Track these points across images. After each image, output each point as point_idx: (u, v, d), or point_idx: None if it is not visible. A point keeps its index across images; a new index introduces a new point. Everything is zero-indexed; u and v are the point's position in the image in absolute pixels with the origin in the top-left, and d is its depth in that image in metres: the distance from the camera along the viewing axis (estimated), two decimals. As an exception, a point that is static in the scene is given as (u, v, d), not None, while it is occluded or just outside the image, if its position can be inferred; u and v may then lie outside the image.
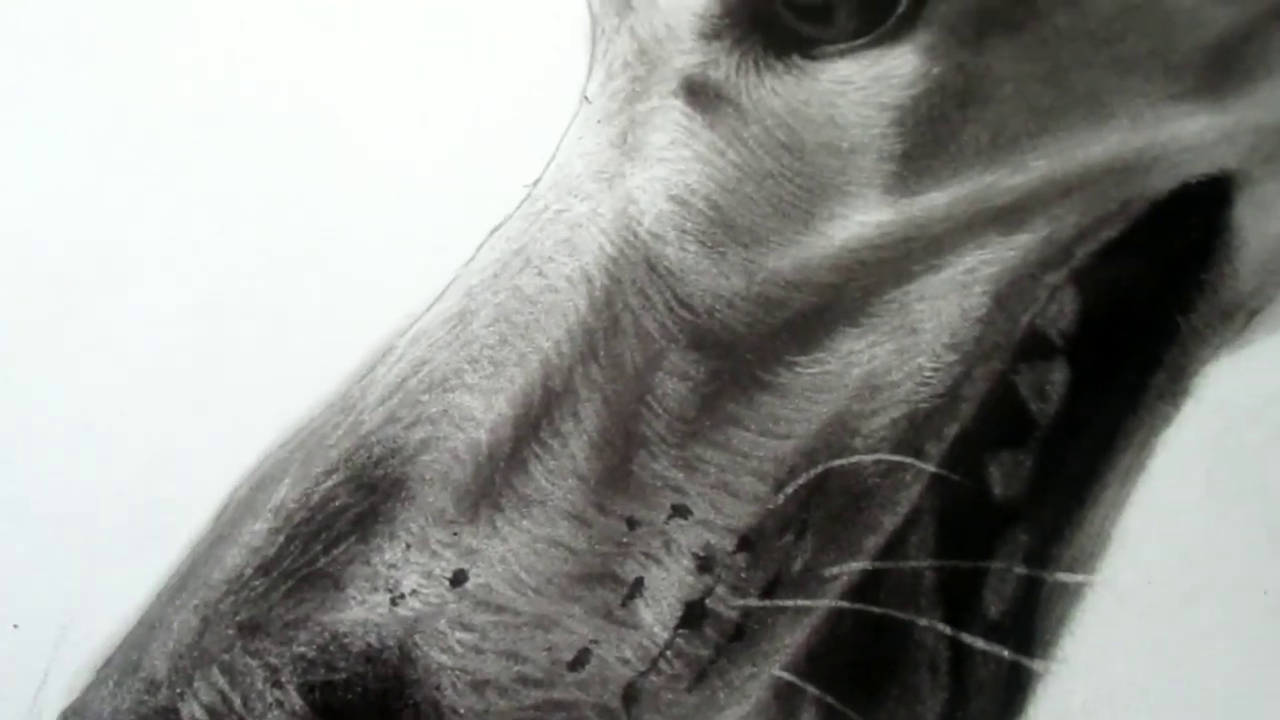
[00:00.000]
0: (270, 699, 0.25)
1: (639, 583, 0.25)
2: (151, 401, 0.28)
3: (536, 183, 0.29)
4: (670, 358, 0.27)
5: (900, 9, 0.34)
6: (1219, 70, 0.33)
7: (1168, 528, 0.26)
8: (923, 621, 0.25)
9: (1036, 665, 0.28)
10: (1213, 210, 0.31)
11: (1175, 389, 0.28)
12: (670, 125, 0.31)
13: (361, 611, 0.23)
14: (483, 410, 0.26)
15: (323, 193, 0.29)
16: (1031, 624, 0.27)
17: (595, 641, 0.25)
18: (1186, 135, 0.32)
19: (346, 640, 0.25)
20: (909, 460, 0.26)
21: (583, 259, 0.28)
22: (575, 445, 0.26)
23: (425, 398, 0.26)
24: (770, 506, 0.26)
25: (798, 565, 0.25)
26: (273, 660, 0.24)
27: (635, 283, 0.28)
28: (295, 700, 0.24)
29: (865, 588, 0.26)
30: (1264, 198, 0.31)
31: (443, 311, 0.27)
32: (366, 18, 0.32)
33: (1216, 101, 0.33)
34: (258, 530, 0.24)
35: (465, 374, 0.26)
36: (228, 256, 0.28)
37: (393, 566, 0.24)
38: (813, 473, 0.26)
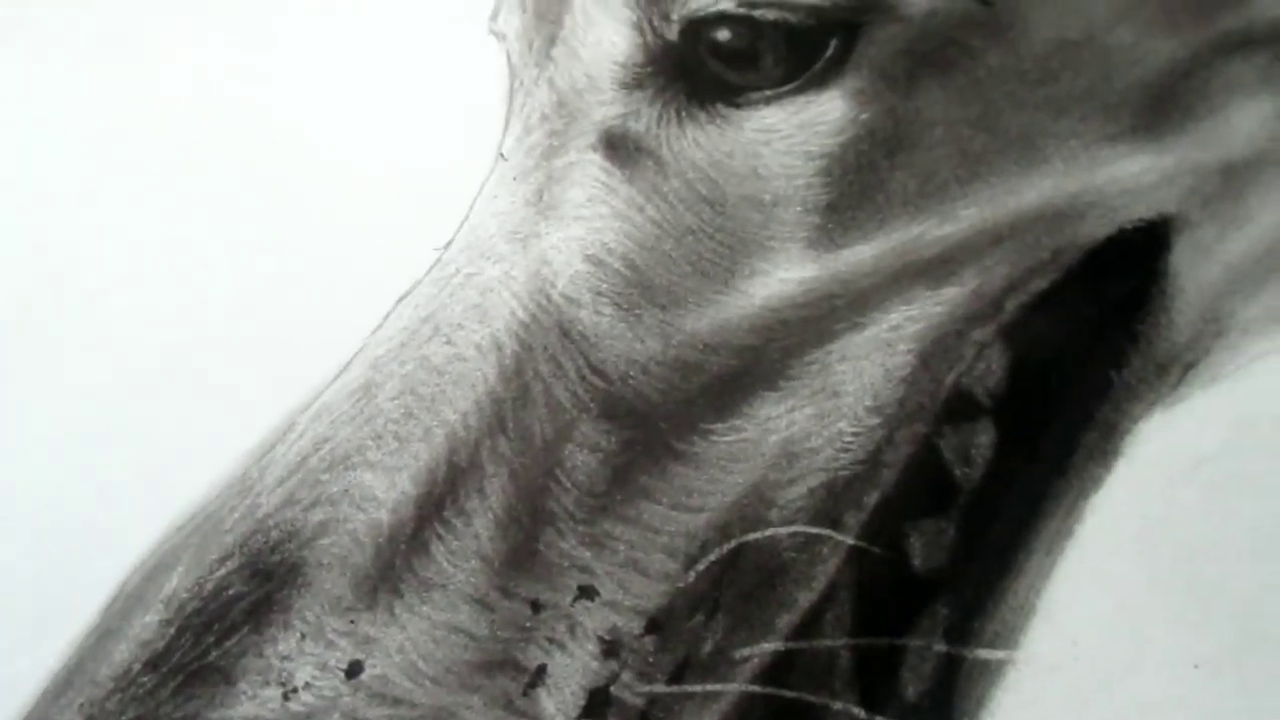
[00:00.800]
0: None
1: (541, 670, 0.24)
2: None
3: (448, 245, 0.29)
4: (581, 428, 0.26)
5: (829, 52, 0.33)
6: (1158, 108, 0.32)
7: (1095, 598, 0.25)
8: (837, 705, 0.24)
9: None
10: (1149, 257, 0.30)
11: (1106, 449, 0.27)
12: (588, 181, 0.30)
13: (252, 708, 0.22)
14: (385, 489, 0.25)
15: (226, 264, 0.28)
16: (950, 705, 0.26)
17: (495, 734, 0.24)
18: (1123, 178, 0.31)
19: (237, 739, 0.24)
20: (826, 532, 0.25)
21: (493, 325, 0.27)
22: (480, 524, 0.25)
23: (326, 477, 0.25)
24: (680, 585, 0.25)
25: (707, 647, 0.24)
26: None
27: (547, 349, 0.27)
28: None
29: (777, 669, 0.25)
30: (1203, 242, 0.30)
31: (347, 384, 0.26)
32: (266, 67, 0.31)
33: (1155, 141, 0.32)
34: (148, 623, 0.23)
35: (368, 450, 0.26)
36: (131, 336, 0.27)
37: (286, 658, 0.23)
38: (726, 548, 0.25)
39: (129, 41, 0.34)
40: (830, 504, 0.26)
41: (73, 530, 0.28)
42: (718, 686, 0.23)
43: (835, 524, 0.26)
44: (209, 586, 0.23)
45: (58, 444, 0.28)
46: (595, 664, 0.24)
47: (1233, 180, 0.30)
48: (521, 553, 0.25)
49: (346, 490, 0.25)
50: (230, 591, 0.24)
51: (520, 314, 0.27)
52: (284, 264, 0.28)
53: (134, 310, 0.29)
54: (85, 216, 0.31)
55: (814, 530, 0.25)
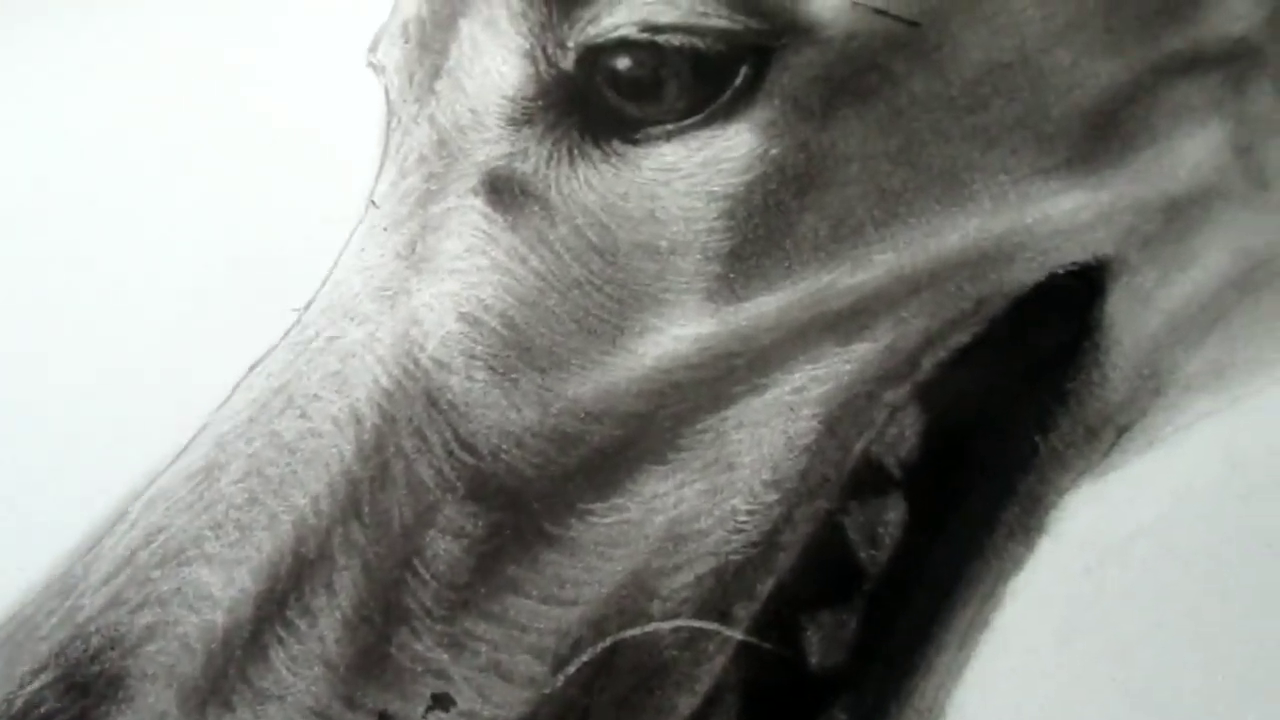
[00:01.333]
0: None
1: (385, 795, 0.21)
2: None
3: (308, 306, 0.26)
4: (445, 511, 0.24)
5: (738, 81, 0.30)
6: (1097, 138, 0.30)
7: (1013, 699, 0.23)
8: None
9: None
10: (1082, 306, 0.27)
11: (1029, 525, 0.25)
12: (467, 229, 0.27)
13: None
14: (221, 586, 0.22)
15: (53, 331, 0.26)
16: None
17: None
18: (1056, 216, 0.28)
19: None
20: (714, 626, 0.23)
21: (353, 395, 0.25)
22: (326, 624, 0.22)
23: (157, 574, 0.23)
24: (547, 691, 0.22)
25: (574, 766, 0.22)
26: None
27: (412, 421, 0.25)
28: None
29: (651, 790, 0.22)
30: (1141, 288, 0.27)
31: (187, 467, 0.24)
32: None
33: (1092, 175, 0.29)
34: (-54, 748, 0.21)
35: (206, 542, 0.23)
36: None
37: (101, 788, 0.21)
38: (600, 647, 0.22)
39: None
40: (719, 594, 0.23)
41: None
42: (583, 811, 0.21)
43: (724, 617, 0.23)
44: (18, 704, 0.21)
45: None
46: (446, 787, 0.21)
47: (1176, 218, 0.28)
48: (371, 657, 0.22)
49: (179, 589, 0.22)
50: (42, 709, 0.21)
51: (384, 381, 0.25)
52: (118, 330, 0.26)
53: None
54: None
55: (700, 624, 0.23)
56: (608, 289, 0.26)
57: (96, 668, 0.22)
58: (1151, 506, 0.24)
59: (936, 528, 0.24)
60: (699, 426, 0.25)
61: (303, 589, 0.22)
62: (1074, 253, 0.27)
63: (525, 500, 0.24)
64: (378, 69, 0.30)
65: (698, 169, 0.29)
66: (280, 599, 0.22)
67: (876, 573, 0.23)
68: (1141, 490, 0.24)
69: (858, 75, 0.30)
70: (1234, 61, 0.30)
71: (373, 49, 0.30)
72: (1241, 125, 0.29)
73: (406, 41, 0.30)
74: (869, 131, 0.29)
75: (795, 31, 0.31)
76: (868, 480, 0.24)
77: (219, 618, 0.22)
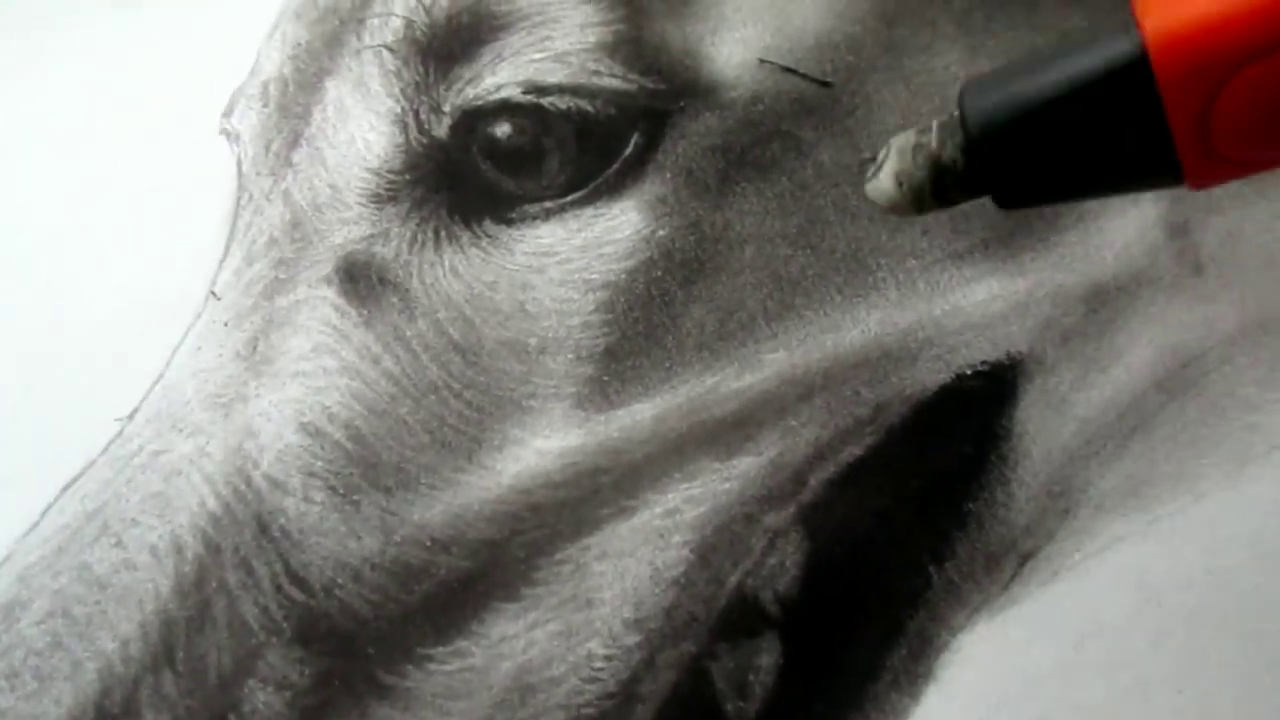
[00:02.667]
0: None
1: None
2: None
3: (133, 414, 0.24)
4: (268, 658, 0.21)
5: (627, 150, 0.28)
6: (1018, 217, 0.27)
7: None
8: None
9: None
10: (989, 413, 0.25)
11: (915, 671, 0.22)
12: (316, 325, 0.25)
13: None
14: (12, 746, 0.20)
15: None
16: None
17: None
18: (968, 307, 0.26)
19: None
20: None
21: (176, 520, 0.22)
22: (125, 795, 0.20)
23: (-60, 733, 0.21)
24: None
25: None
26: None
27: (238, 551, 0.22)
28: None
29: None
30: (1056, 391, 0.25)
31: (-15, 604, 0.22)
32: None
33: (1010, 259, 0.27)
34: None
35: (0, 695, 0.21)
36: None
37: None
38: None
39: None
40: (567, 756, 0.21)
41: None
42: None
43: (571, 784, 0.21)
44: None
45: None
46: None
47: (1099, 308, 0.25)
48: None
49: (-35, 748, 0.20)
50: None
51: (211, 504, 0.22)
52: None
53: None
54: None
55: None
56: (467, 394, 0.24)
57: None
58: (1054, 649, 0.22)
59: (814, 675, 0.22)
60: (557, 557, 0.22)
61: (103, 752, 0.20)
62: (984, 350, 0.25)
63: (359, 645, 0.21)
64: (231, 136, 0.27)
65: (576, 253, 0.26)
66: (77, 764, 0.20)
67: (744, 728, 0.21)
68: (1043, 630, 0.22)
69: (760, 144, 0.28)
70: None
71: (227, 113, 0.27)
72: (1177, 202, 0.27)
73: (265, 105, 0.28)
74: (769, 209, 0.27)
75: (695, 93, 0.28)
76: (740, 619, 0.22)
77: (6, 784, 0.20)
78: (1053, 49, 0.17)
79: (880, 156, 0.18)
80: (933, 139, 0.18)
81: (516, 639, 0.22)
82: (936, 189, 0.18)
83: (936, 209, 0.18)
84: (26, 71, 0.27)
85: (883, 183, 0.18)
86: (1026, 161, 0.17)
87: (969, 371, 0.24)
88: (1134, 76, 0.15)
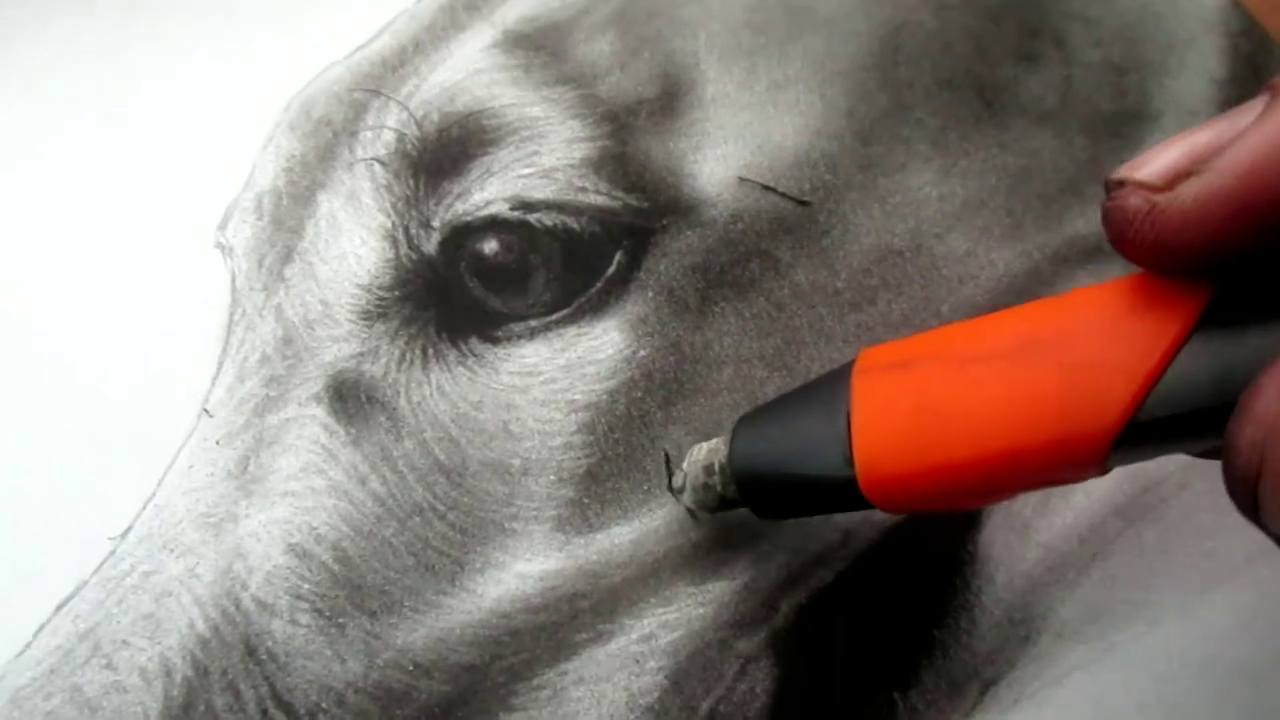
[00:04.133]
0: None
1: None
2: None
3: (125, 534, 0.24)
4: (253, 785, 0.22)
5: (611, 269, 0.29)
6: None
7: None
8: None
9: None
10: (954, 538, 0.26)
11: None
12: (305, 444, 0.26)
13: None
14: None
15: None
16: None
17: None
18: (937, 432, 0.27)
19: None
20: None
21: (165, 642, 0.23)
22: None
23: None
24: None
25: None
26: None
27: (226, 674, 0.23)
28: None
29: None
30: (1020, 516, 0.26)
31: (-23, 728, 0.23)
32: None
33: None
34: None
35: None
36: None
37: None
38: None
39: None
40: None
41: None
42: None
43: None
44: None
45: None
46: None
47: (1064, 438, 0.26)
48: None
49: None
50: None
51: (200, 626, 0.23)
52: None
53: None
54: None
55: None
56: (451, 516, 0.25)
57: None
58: None
59: (783, 806, 0.23)
60: (535, 682, 0.23)
61: None
62: (953, 478, 0.26)
63: (340, 772, 0.22)
64: (225, 250, 0.28)
65: (560, 373, 0.27)
66: None
67: None
68: None
69: (739, 263, 0.29)
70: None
71: (221, 225, 0.28)
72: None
73: (259, 218, 0.29)
74: (746, 330, 0.28)
75: (677, 210, 0.29)
76: (712, 749, 0.23)
77: None
78: (798, 417, 0.22)
79: (676, 476, 0.24)
80: (715, 478, 0.23)
81: (495, 766, 0.22)
82: (718, 505, 0.23)
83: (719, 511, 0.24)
84: (18, 183, 0.28)
85: (683, 499, 0.24)
86: (773, 501, 0.22)
87: (934, 499, 0.25)
88: (849, 489, 0.20)
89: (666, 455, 0.25)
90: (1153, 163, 0.18)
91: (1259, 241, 0.17)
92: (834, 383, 0.21)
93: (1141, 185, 0.18)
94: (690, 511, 0.24)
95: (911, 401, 0.20)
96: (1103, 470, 0.19)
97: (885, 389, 0.20)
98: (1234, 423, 0.16)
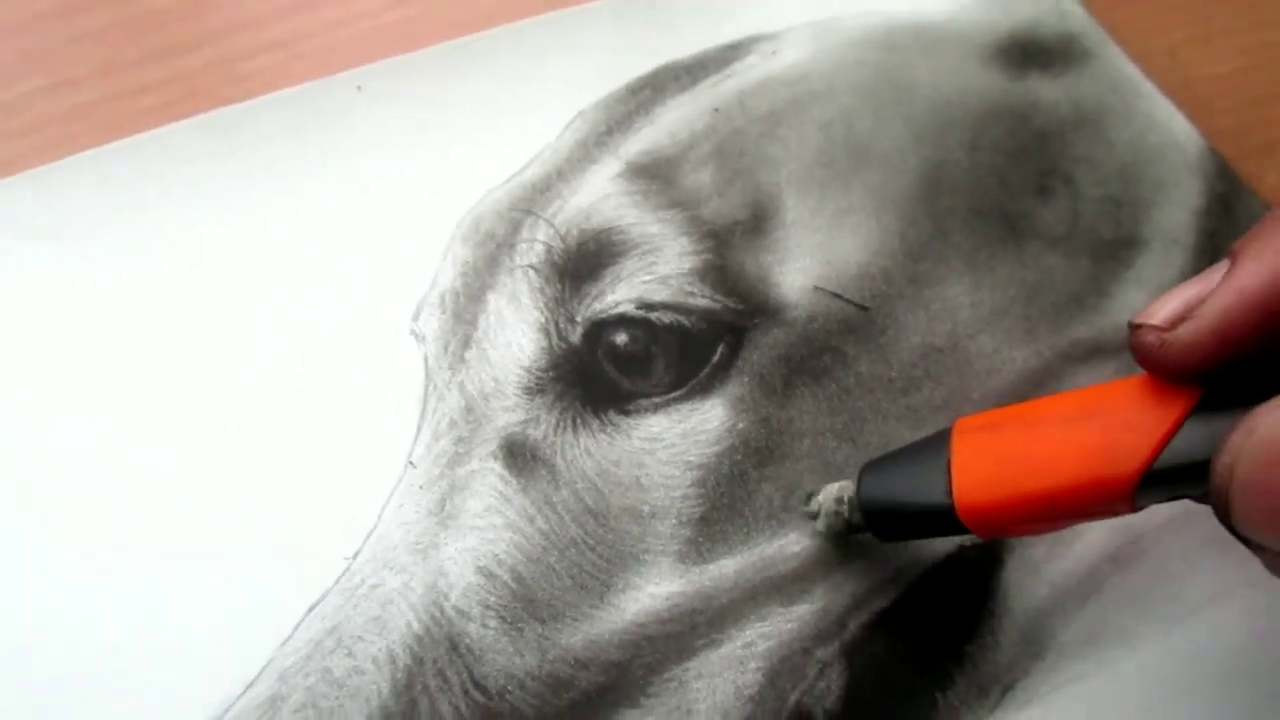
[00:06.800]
0: None
1: None
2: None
3: (356, 556, 0.32)
4: (460, 744, 0.30)
5: (715, 357, 0.36)
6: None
7: None
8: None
9: None
10: (983, 576, 0.33)
11: None
12: (486, 490, 0.33)
13: None
14: (282, 802, 0.28)
15: (130, 567, 0.31)
16: None
17: None
18: (970, 496, 0.34)
19: None
20: None
21: (390, 638, 0.31)
22: (364, 836, 0.28)
23: (231, 787, 0.29)
24: None
25: None
26: None
27: (436, 663, 0.31)
28: None
29: None
30: (1032, 560, 0.33)
31: (255, 696, 0.30)
32: (174, 369, 0.35)
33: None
34: None
35: None
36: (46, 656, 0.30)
37: None
38: None
39: None
40: (675, 824, 0.29)
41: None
42: None
43: (678, 842, 0.29)
44: None
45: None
46: None
47: (1068, 502, 0.34)
48: None
49: (249, 801, 0.28)
50: None
51: (415, 627, 0.31)
52: (193, 577, 0.31)
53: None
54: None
55: None
56: (599, 549, 0.32)
57: None
58: None
59: (850, 772, 0.30)
60: (665, 675, 0.31)
61: (346, 807, 0.28)
62: (981, 529, 0.33)
63: (525, 738, 0.30)
64: (419, 337, 0.36)
65: (678, 439, 0.35)
66: (328, 814, 0.28)
67: (798, 815, 0.29)
68: None
69: (814, 356, 0.36)
70: (1125, 352, 0.37)
71: (415, 317, 0.36)
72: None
73: (443, 312, 0.37)
74: (820, 409, 0.35)
75: (765, 312, 0.37)
76: (799, 729, 0.30)
77: (280, 827, 0.28)
78: (910, 465, 0.30)
79: (813, 507, 0.32)
80: (844, 507, 0.31)
81: (637, 737, 0.30)
82: (846, 530, 0.32)
83: (847, 538, 0.32)
84: (266, 290, 0.36)
85: (817, 525, 0.32)
86: (892, 526, 0.30)
87: (968, 544, 0.33)
88: (950, 515, 0.28)
89: (808, 493, 0.33)
90: (1161, 311, 0.26)
91: (1231, 362, 0.25)
92: (938, 439, 0.29)
93: (1154, 328, 0.26)
94: (821, 534, 0.32)
95: (996, 452, 0.28)
96: (1133, 506, 0.26)
97: (977, 443, 0.28)
98: (1214, 457, 0.24)
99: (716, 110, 0.41)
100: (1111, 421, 0.26)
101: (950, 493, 0.28)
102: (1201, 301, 0.25)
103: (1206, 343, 0.25)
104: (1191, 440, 0.25)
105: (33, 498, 0.32)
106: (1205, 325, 0.25)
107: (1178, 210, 0.40)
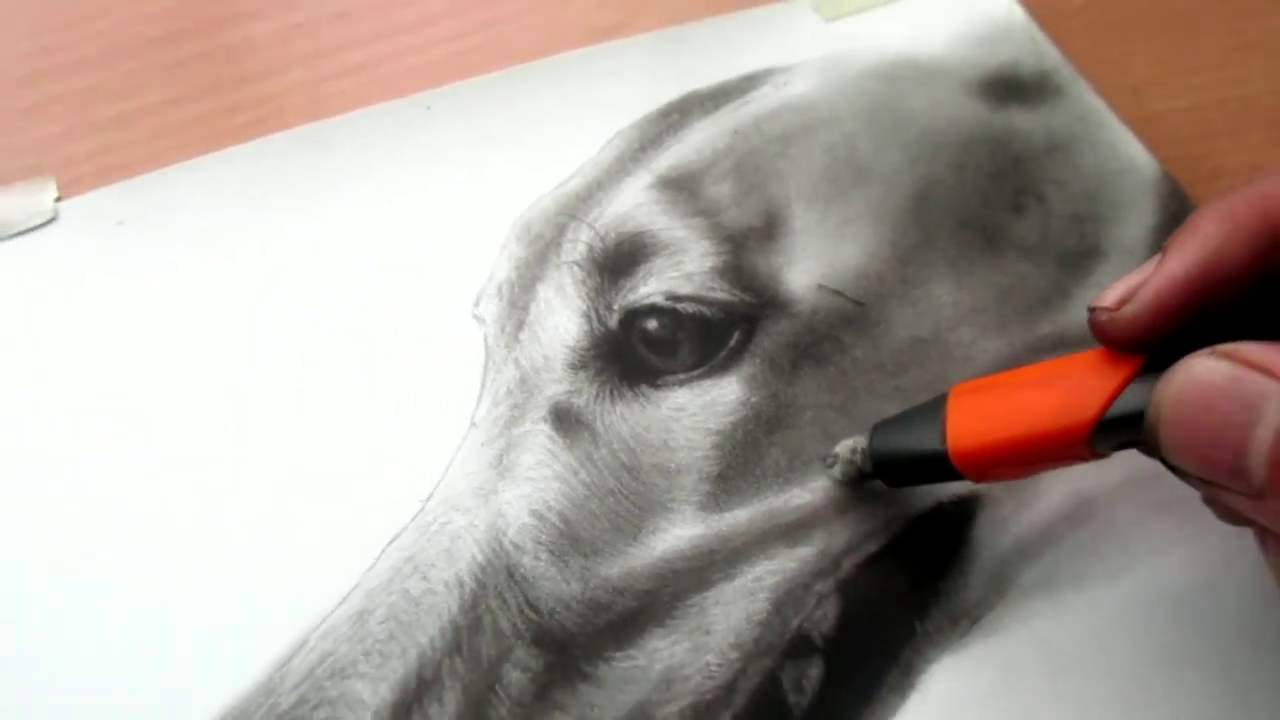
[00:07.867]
0: None
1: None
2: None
3: (429, 499, 0.38)
4: (517, 653, 0.35)
5: (731, 342, 0.42)
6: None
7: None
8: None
9: None
10: (956, 528, 0.39)
11: (904, 684, 0.35)
12: (537, 448, 0.39)
13: None
14: (370, 695, 0.34)
15: (244, 501, 0.38)
16: None
17: None
18: (947, 460, 0.40)
19: None
20: (689, 743, 0.34)
21: (458, 566, 0.37)
22: (437, 726, 0.34)
23: (328, 684, 0.34)
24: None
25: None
26: None
27: (496, 588, 0.36)
28: None
29: None
30: (1000, 516, 0.39)
31: (347, 610, 0.35)
32: (267, 342, 0.40)
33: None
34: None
35: (359, 664, 0.34)
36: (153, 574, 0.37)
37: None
38: (613, 752, 0.34)
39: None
40: (694, 721, 0.35)
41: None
42: None
43: (697, 738, 0.35)
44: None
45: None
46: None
47: (1031, 468, 0.39)
48: (466, 750, 0.34)
49: (342, 695, 0.34)
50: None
51: (479, 558, 0.37)
52: (293, 513, 0.37)
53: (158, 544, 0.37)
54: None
55: (680, 742, 0.34)
56: (632, 498, 0.38)
57: (288, 747, 0.33)
58: (990, 675, 0.35)
59: (843, 682, 0.35)
60: (688, 602, 0.36)
61: (423, 701, 0.34)
62: (958, 489, 0.39)
63: (570, 649, 0.35)
64: (480, 320, 0.42)
65: (700, 410, 0.41)
66: (408, 707, 0.34)
67: (800, 713, 0.35)
68: (984, 663, 0.35)
69: (817, 343, 0.42)
70: (1083, 345, 0.42)
71: (476, 303, 0.42)
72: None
73: (500, 299, 0.42)
74: (821, 387, 0.41)
75: (775, 305, 0.43)
76: (799, 647, 0.36)
77: (368, 717, 0.33)
78: (913, 423, 0.36)
79: (831, 459, 0.38)
80: (857, 457, 0.37)
81: (664, 650, 0.35)
82: (859, 477, 0.37)
83: (860, 484, 0.38)
84: (353, 273, 0.42)
85: (834, 473, 0.38)
86: (898, 473, 0.36)
87: (946, 501, 0.38)
88: (944, 461, 0.34)
89: (828, 453, 0.39)
90: (1110, 295, 0.32)
91: (1166, 334, 0.31)
92: (938, 401, 0.34)
93: (1105, 308, 0.32)
94: (836, 481, 0.38)
95: (982, 409, 0.33)
96: (1091, 451, 0.31)
97: (967, 402, 0.34)
98: (1149, 406, 0.29)
99: (736, 132, 0.47)
100: (1073, 384, 0.32)
101: (944, 441, 0.33)
102: (1140, 286, 0.31)
103: (1144, 318, 0.31)
104: (1136, 396, 0.31)
105: (148, 477, 0.39)
106: (1143, 305, 0.31)
107: (1134, 227, 0.46)
